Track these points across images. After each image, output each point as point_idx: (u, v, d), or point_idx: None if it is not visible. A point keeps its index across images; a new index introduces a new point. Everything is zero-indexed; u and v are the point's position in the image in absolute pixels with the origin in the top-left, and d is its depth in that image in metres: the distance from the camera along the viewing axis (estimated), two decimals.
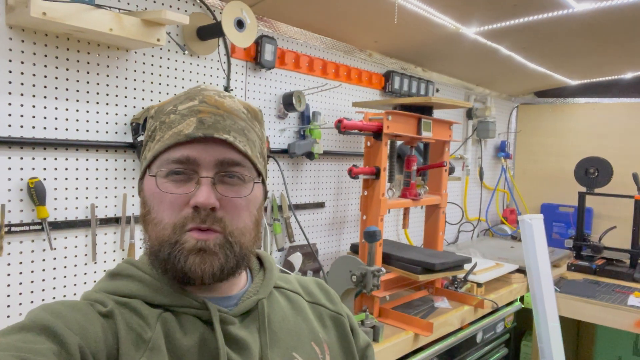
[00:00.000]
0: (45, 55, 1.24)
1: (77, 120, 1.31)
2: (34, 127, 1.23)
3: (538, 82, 3.13)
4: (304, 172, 1.98)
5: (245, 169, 0.67)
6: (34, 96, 1.23)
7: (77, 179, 1.32)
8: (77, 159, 1.32)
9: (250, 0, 1.57)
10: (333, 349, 0.77)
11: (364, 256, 1.70)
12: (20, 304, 1.24)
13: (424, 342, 1.65)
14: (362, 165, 1.76)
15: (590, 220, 3.09)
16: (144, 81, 1.45)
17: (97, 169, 1.36)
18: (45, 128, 1.25)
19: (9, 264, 1.21)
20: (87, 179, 1.34)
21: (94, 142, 1.34)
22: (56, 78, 1.26)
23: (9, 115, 1.19)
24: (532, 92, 3.44)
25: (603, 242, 2.68)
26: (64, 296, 1.32)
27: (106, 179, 1.38)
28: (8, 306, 1.21)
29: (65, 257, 1.31)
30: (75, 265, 1.33)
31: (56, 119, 1.27)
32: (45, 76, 1.25)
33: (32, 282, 1.25)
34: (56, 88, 1.27)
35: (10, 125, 1.19)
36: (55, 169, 1.28)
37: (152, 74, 1.47)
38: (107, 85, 1.37)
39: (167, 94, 1.51)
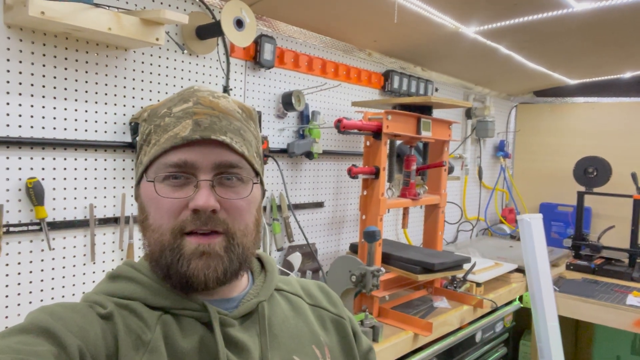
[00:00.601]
0: (44, 55, 1.23)
1: (76, 119, 1.31)
2: (32, 127, 1.23)
3: (537, 82, 3.13)
4: (303, 172, 1.98)
5: (243, 170, 0.67)
6: (32, 96, 1.22)
7: (75, 179, 1.32)
8: (75, 159, 1.31)
9: None
10: (334, 352, 0.77)
11: (363, 256, 1.70)
12: (19, 304, 1.23)
13: (423, 342, 1.65)
14: (361, 165, 1.76)
15: (589, 220, 3.10)
16: (143, 81, 1.44)
17: (95, 169, 1.36)
18: (43, 128, 1.25)
19: (7, 265, 1.20)
20: (85, 178, 1.34)
21: (93, 142, 1.33)
22: (55, 77, 1.26)
23: (7, 115, 1.18)
24: (531, 91, 3.44)
25: (602, 241, 2.69)
26: (63, 297, 1.31)
27: (105, 178, 1.38)
28: (7, 307, 1.21)
29: (64, 258, 1.31)
30: (74, 266, 1.33)
31: (55, 118, 1.27)
32: (44, 76, 1.24)
33: (30, 282, 1.25)
34: (55, 88, 1.26)
35: (8, 125, 1.19)
36: (54, 168, 1.27)
37: (151, 73, 1.46)
38: (106, 84, 1.36)
39: (167, 93, 1.50)
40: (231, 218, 0.65)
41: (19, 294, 1.23)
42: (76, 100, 1.30)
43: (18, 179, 1.21)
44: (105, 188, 1.38)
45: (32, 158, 1.23)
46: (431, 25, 1.94)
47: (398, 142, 2.00)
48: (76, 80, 1.30)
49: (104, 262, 1.39)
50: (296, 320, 0.75)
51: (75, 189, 1.32)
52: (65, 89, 1.28)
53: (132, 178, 1.44)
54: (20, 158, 1.21)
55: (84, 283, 1.35)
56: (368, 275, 1.54)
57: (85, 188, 1.34)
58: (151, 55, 1.46)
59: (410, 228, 2.49)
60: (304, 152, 1.86)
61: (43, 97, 1.24)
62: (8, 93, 1.18)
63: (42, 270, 1.27)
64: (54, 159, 1.27)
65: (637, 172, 2.62)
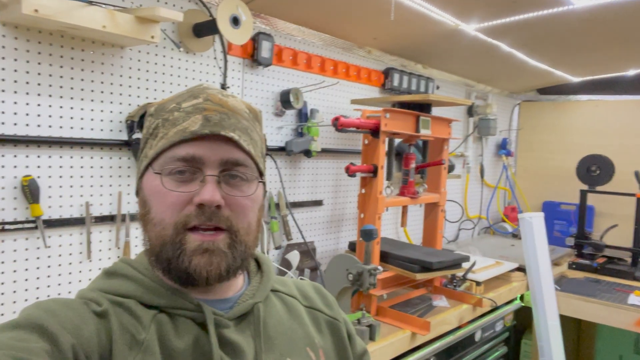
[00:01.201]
0: (39, 53, 1.23)
1: (72, 117, 1.31)
2: (27, 125, 1.23)
3: (539, 79, 3.10)
4: (302, 170, 1.97)
5: (248, 169, 0.67)
6: (27, 94, 1.22)
7: (71, 176, 1.32)
8: (71, 157, 1.31)
9: None
10: (328, 354, 0.76)
11: (360, 254, 1.69)
12: (15, 302, 1.23)
13: (421, 340, 1.64)
14: (360, 163, 1.75)
15: (592, 219, 3.07)
16: (139, 78, 1.44)
17: (91, 167, 1.36)
18: (39, 126, 1.25)
19: (2, 262, 1.21)
20: (81, 176, 1.34)
21: (89, 140, 1.33)
22: (50, 76, 1.26)
23: (2, 112, 1.19)
24: (534, 89, 3.41)
25: (604, 240, 2.67)
26: (59, 294, 1.32)
27: (101, 176, 1.38)
28: (2, 304, 1.21)
29: (60, 255, 1.31)
30: (70, 264, 1.33)
31: (50, 116, 1.27)
32: (39, 74, 1.24)
33: (26, 280, 1.25)
34: (50, 86, 1.26)
35: (3, 123, 1.19)
36: (50, 166, 1.27)
37: (147, 71, 1.46)
38: (102, 82, 1.36)
39: (163, 91, 1.50)
40: (235, 215, 0.65)
41: (14, 292, 1.23)
42: (72, 98, 1.30)
43: (13, 177, 1.21)
44: (101, 186, 1.38)
45: (27, 156, 1.23)
46: (431, 22, 1.93)
47: (397, 140, 1.99)
48: (72, 78, 1.30)
49: (100, 260, 1.39)
50: (291, 322, 0.75)
51: (71, 186, 1.32)
52: (61, 87, 1.28)
53: (128, 176, 1.43)
54: (15, 156, 1.21)
55: (80, 281, 1.35)
56: (365, 273, 1.53)
57: (81, 186, 1.34)
58: (147, 53, 1.45)
59: (410, 226, 2.48)
60: (302, 150, 1.86)
61: (38, 95, 1.24)
62: (3, 91, 1.18)
63: (37, 268, 1.27)
64: (50, 157, 1.27)
65: None
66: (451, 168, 2.66)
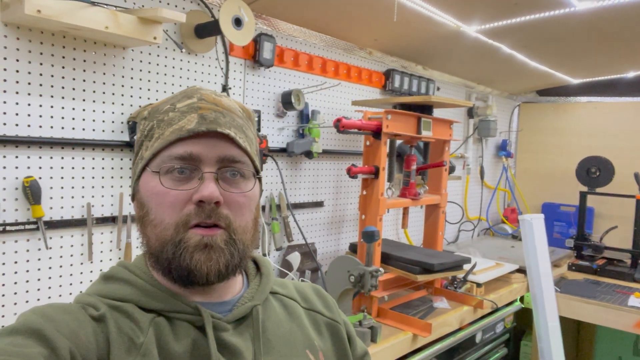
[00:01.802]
0: (41, 53, 1.23)
1: (73, 118, 1.30)
2: (29, 126, 1.22)
3: (540, 81, 3.11)
4: (303, 171, 1.97)
5: (245, 166, 0.67)
6: (29, 94, 1.22)
7: (73, 177, 1.31)
8: (73, 158, 1.31)
9: None
10: (328, 356, 0.76)
11: (362, 256, 1.69)
12: (15, 303, 1.23)
13: (422, 342, 1.64)
14: (361, 165, 1.75)
15: (592, 220, 3.08)
16: (141, 79, 1.44)
17: (93, 168, 1.35)
18: (40, 127, 1.24)
19: (3, 264, 1.20)
20: (83, 178, 1.33)
21: (90, 141, 1.33)
22: (52, 76, 1.25)
23: (4, 113, 1.18)
24: (534, 90, 3.42)
25: (604, 242, 2.67)
26: (60, 296, 1.31)
27: (102, 178, 1.37)
28: (3, 306, 1.21)
29: (61, 257, 1.31)
30: (71, 265, 1.33)
31: (52, 117, 1.26)
32: (41, 74, 1.24)
33: (27, 281, 1.25)
34: (52, 86, 1.26)
35: (5, 124, 1.18)
36: (51, 167, 1.27)
37: (149, 72, 1.46)
38: (104, 83, 1.36)
39: (165, 92, 1.50)
40: (232, 213, 0.65)
41: (15, 293, 1.23)
42: (74, 99, 1.30)
43: (15, 178, 1.21)
44: (102, 187, 1.37)
45: (29, 157, 1.23)
46: (432, 24, 1.93)
47: (398, 141, 1.99)
48: (74, 79, 1.30)
49: (101, 261, 1.39)
50: (290, 324, 0.75)
51: (73, 188, 1.31)
52: (63, 87, 1.28)
53: (129, 177, 1.43)
54: (17, 157, 1.21)
55: (81, 282, 1.35)
56: (367, 275, 1.53)
57: (83, 187, 1.33)
58: (149, 54, 1.45)
59: (410, 228, 2.48)
60: (304, 151, 1.85)
61: (40, 95, 1.24)
62: (5, 92, 1.18)
63: (39, 270, 1.27)
64: (51, 157, 1.27)
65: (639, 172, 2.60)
66: (451, 169, 2.66)
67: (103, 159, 1.37)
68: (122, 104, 1.40)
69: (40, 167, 1.25)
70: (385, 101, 1.96)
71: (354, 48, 2.11)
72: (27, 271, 1.25)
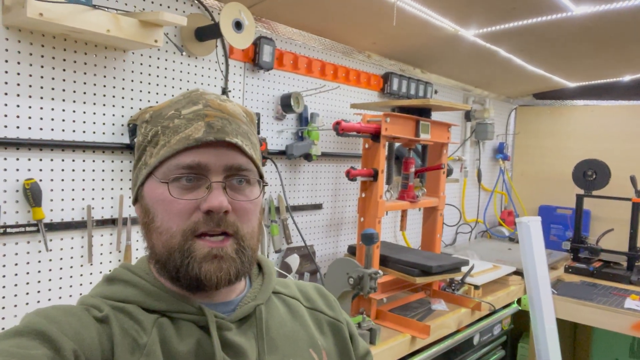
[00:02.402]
0: (42, 56, 1.23)
1: (74, 121, 1.31)
2: (30, 128, 1.23)
3: (536, 84, 3.13)
4: (302, 174, 1.98)
5: (251, 173, 0.68)
6: (30, 97, 1.22)
7: (73, 180, 1.32)
8: (73, 160, 1.31)
9: (249, 1, 1.57)
10: (331, 355, 0.77)
11: (361, 258, 1.70)
12: (16, 305, 1.23)
13: (421, 344, 1.65)
14: (360, 167, 1.76)
15: (588, 223, 3.10)
16: (141, 82, 1.44)
17: (93, 170, 1.35)
18: (41, 129, 1.25)
19: (4, 266, 1.20)
20: (83, 180, 1.34)
21: (91, 143, 1.33)
22: (53, 79, 1.26)
23: (5, 115, 1.18)
24: (531, 94, 3.44)
25: (600, 244, 2.69)
26: (60, 298, 1.31)
27: (103, 180, 1.38)
28: (3, 308, 1.21)
29: (61, 259, 1.31)
30: (71, 267, 1.33)
31: (53, 119, 1.27)
32: (42, 77, 1.24)
33: (27, 283, 1.25)
34: (53, 89, 1.26)
35: (6, 126, 1.19)
36: (52, 170, 1.27)
37: (149, 75, 1.46)
38: (104, 86, 1.36)
39: (165, 95, 1.50)
40: (240, 220, 0.65)
41: (15, 295, 1.23)
42: (74, 101, 1.30)
43: (15, 180, 1.21)
44: (103, 189, 1.38)
45: (29, 159, 1.23)
46: (430, 27, 1.94)
47: (397, 144, 2.00)
48: (74, 82, 1.30)
49: (101, 263, 1.39)
50: (293, 323, 0.75)
51: (73, 190, 1.32)
52: (64, 90, 1.28)
53: (130, 180, 1.43)
54: (17, 159, 1.21)
55: (81, 284, 1.35)
56: (366, 277, 1.54)
57: (83, 189, 1.34)
58: (150, 56, 1.46)
59: (409, 230, 2.49)
60: (303, 154, 1.86)
61: (41, 98, 1.24)
62: (6, 94, 1.18)
63: (39, 272, 1.27)
64: (52, 160, 1.27)
65: (636, 175, 2.61)
66: (449, 172, 2.67)
67: (103, 161, 1.37)
68: (123, 107, 1.41)
69: (40, 170, 1.25)
70: (384, 104, 1.97)
71: (352, 51, 2.12)
72: (28, 273, 1.25)
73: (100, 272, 1.38)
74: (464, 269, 1.93)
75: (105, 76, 1.36)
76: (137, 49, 1.40)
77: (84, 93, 1.32)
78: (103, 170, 1.38)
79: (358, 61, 2.18)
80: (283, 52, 1.84)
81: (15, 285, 1.23)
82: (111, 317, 0.61)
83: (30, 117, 1.23)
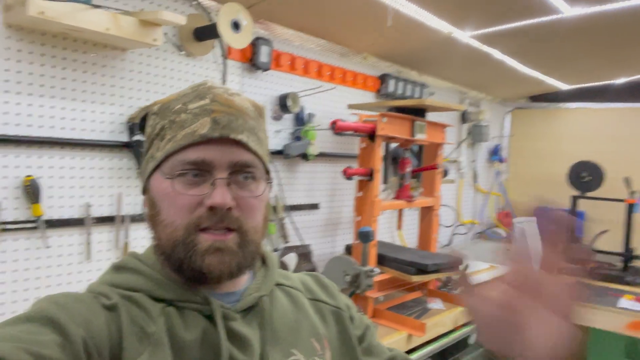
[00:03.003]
0: (42, 55, 1.25)
1: (73, 119, 1.32)
2: (29, 126, 1.24)
3: (531, 87, 3.16)
4: (299, 174, 1.99)
5: (257, 169, 0.68)
6: (30, 95, 1.24)
7: (72, 177, 1.33)
8: (72, 158, 1.32)
9: (247, 2, 1.59)
10: (333, 344, 0.77)
11: (357, 256, 1.71)
12: (15, 301, 1.24)
13: (417, 342, 1.66)
14: (356, 167, 1.77)
15: (583, 224, 3.12)
16: (140, 81, 1.46)
17: (92, 168, 1.37)
18: (41, 127, 1.26)
19: (3, 262, 1.21)
20: (82, 177, 1.35)
21: (90, 141, 1.35)
22: (53, 77, 1.27)
23: (5, 113, 1.20)
24: (526, 96, 3.47)
25: (595, 245, 2.71)
26: None
27: (101, 178, 1.39)
28: (2, 304, 1.22)
29: (60, 256, 1.32)
30: (70, 264, 1.34)
31: (52, 117, 1.28)
32: (42, 75, 1.25)
33: (26, 280, 1.26)
34: (52, 87, 1.27)
35: (6, 124, 1.20)
36: (51, 167, 1.28)
37: (148, 74, 1.48)
38: (104, 84, 1.38)
39: (164, 94, 1.52)
40: (244, 216, 0.65)
41: (14, 292, 1.24)
42: (74, 99, 1.32)
43: (15, 177, 1.22)
44: (101, 187, 1.39)
45: (29, 156, 1.24)
46: (426, 29, 1.96)
47: (394, 145, 2.02)
48: (74, 80, 1.31)
49: (99, 260, 1.40)
50: (296, 314, 0.76)
51: (72, 187, 1.33)
52: (63, 88, 1.29)
53: (128, 178, 1.44)
54: (17, 156, 1.22)
55: (79, 281, 1.36)
56: (362, 275, 1.55)
57: (82, 187, 1.35)
58: (149, 56, 1.47)
59: (405, 230, 2.50)
60: (300, 153, 1.88)
61: (41, 96, 1.26)
62: (7, 92, 1.20)
63: (38, 268, 1.28)
64: (51, 157, 1.28)
65: (629, 176, 2.64)
66: (445, 173, 2.69)
67: (102, 159, 1.39)
68: (122, 105, 1.42)
69: (40, 167, 1.26)
70: (380, 104, 1.99)
71: (349, 53, 2.14)
72: (27, 270, 1.25)
73: (99, 270, 1.39)
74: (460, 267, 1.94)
75: (104, 75, 1.38)
76: (136, 48, 1.42)
77: (84, 91, 1.34)
78: (102, 168, 1.39)
79: (355, 63, 2.21)
80: (280, 53, 1.86)
81: (14, 281, 1.23)
82: (120, 306, 0.62)
83: (30, 115, 1.24)
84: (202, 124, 0.65)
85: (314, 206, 2.06)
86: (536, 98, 3.45)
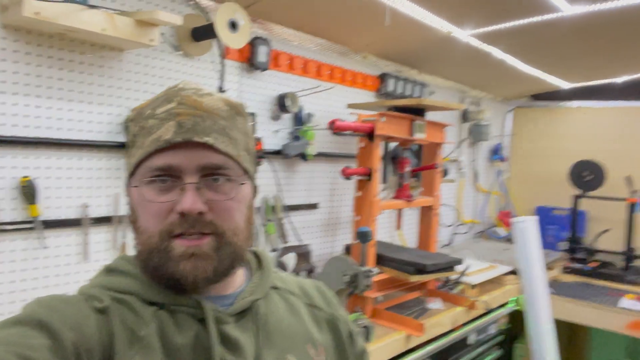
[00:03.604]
0: (39, 55, 1.25)
1: (70, 119, 1.32)
2: (26, 127, 1.24)
3: (532, 86, 3.15)
4: (298, 173, 1.99)
5: (230, 170, 0.66)
6: (27, 95, 1.24)
7: (69, 178, 1.33)
8: (69, 158, 1.32)
9: (244, 1, 1.58)
10: (328, 351, 0.76)
11: (356, 256, 1.70)
12: (12, 302, 1.24)
13: (416, 342, 1.66)
14: (355, 167, 1.77)
15: (584, 223, 3.11)
16: (137, 81, 1.46)
17: (89, 169, 1.37)
18: (37, 127, 1.26)
19: (0, 263, 1.21)
20: (79, 178, 1.35)
21: (87, 142, 1.35)
22: (49, 78, 1.27)
23: (2, 114, 1.20)
24: (526, 95, 3.46)
25: (596, 244, 2.69)
26: None
27: (98, 178, 1.39)
28: (0, 305, 1.22)
29: (57, 256, 1.32)
30: (68, 265, 1.34)
31: (49, 118, 1.28)
32: (39, 76, 1.25)
33: (23, 280, 1.26)
34: (49, 88, 1.27)
35: (3, 124, 1.20)
36: (48, 168, 1.28)
37: (145, 74, 1.47)
38: (100, 85, 1.38)
39: None
40: (220, 219, 0.64)
41: (12, 292, 1.24)
42: (71, 100, 1.32)
43: (12, 178, 1.22)
44: (98, 188, 1.39)
45: (25, 157, 1.24)
46: (425, 28, 1.95)
47: (393, 144, 2.01)
48: (71, 81, 1.31)
49: (97, 261, 1.40)
50: (291, 319, 0.75)
51: (69, 188, 1.33)
52: (60, 89, 1.29)
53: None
54: (14, 157, 1.22)
55: (77, 282, 1.36)
56: (360, 275, 1.54)
57: (79, 187, 1.35)
58: (146, 56, 1.47)
59: (405, 230, 2.50)
60: (298, 153, 1.87)
61: (38, 96, 1.26)
62: (3, 92, 1.20)
63: (35, 269, 1.28)
64: (48, 158, 1.28)
65: (631, 175, 2.63)
66: (445, 172, 2.68)
67: (99, 159, 1.39)
68: (119, 106, 1.42)
69: (37, 168, 1.26)
70: (379, 104, 1.99)
71: (348, 52, 2.13)
72: (24, 270, 1.26)
73: (96, 270, 1.39)
74: (458, 268, 1.94)
75: (101, 75, 1.37)
76: (133, 48, 1.41)
77: (80, 92, 1.33)
78: (99, 169, 1.39)
79: (354, 62, 2.20)
80: (279, 52, 1.85)
81: (12, 282, 1.24)
82: (111, 309, 0.61)
83: (27, 116, 1.24)
84: (167, 129, 0.63)
85: (312, 206, 2.06)
86: (537, 97, 3.43)
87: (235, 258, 0.67)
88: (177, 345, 0.62)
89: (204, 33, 1.54)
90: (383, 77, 2.31)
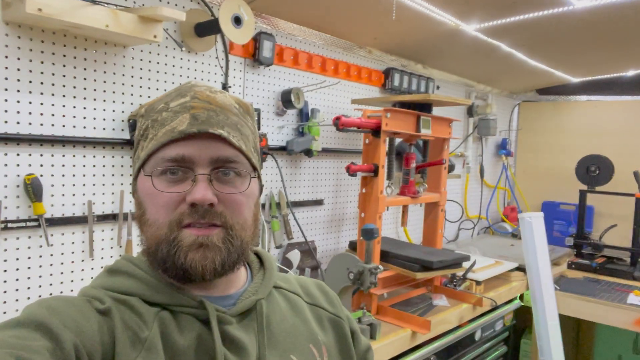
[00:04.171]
0: (42, 52, 1.24)
1: (74, 116, 1.31)
2: (30, 124, 1.23)
3: (539, 80, 3.11)
4: (303, 170, 1.98)
5: (240, 165, 0.67)
6: (30, 92, 1.23)
7: (74, 175, 1.32)
8: (73, 156, 1.32)
9: None
10: (331, 351, 0.76)
11: (361, 254, 1.69)
12: (17, 300, 1.24)
13: (421, 339, 1.65)
14: (360, 163, 1.76)
15: (591, 219, 3.08)
16: (141, 78, 1.45)
17: (94, 166, 1.36)
18: (42, 124, 1.25)
19: (5, 260, 1.21)
20: (84, 175, 1.34)
21: (91, 139, 1.34)
22: (53, 74, 1.26)
23: (5, 111, 1.19)
24: (534, 89, 3.42)
25: (604, 240, 2.67)
26: (61, 292, 1.32)
27: (103, 175, 1.38)
28: (4, 302, 1.22)
29: (62, 254, 1.31)
30: (72, 262, 1.33)
31: (53, 115, 1.27)
32: (42, 73, 1.24)
33: (28, 278, 1.26)
34: (53, 84, 1.27)
35: (6, 122, 1.19)
36: (52, 165, 1.28)
37: (149, 70, 1.46)
38: (104, 81, 1.37)
39: (165, 90, 1.51)
40: (229, 211, 0.65)
41: (17, 290, 1.24)
42: (74, 97, 1.31)
43: (16, 175, 1.22)
44: (103, 185, 1.38)
45: (30, 154, 1.24)
46: (431, 22, 1.93)
47: (398, 140, 2.00)
48: (74, 77, 1.30)
49: (102, 258, 1.39)
50: (294, 318, 0.75)
51: (74, 185, 1.32)
52: (64, 85, 1.29)
53: (130, 175, 1.44)
54: (18, 154, 1.22)
55: (82, 279, 1.36)
56: (366, 272, 1.54)
57: (84, 185, 1.34)
58: (150, 52, 1.46)
59: (410, 226, 2.48)
60: (303, 149, 1.86)
61: (41, 93, 1.25)
62: (7, 90, 1.19)
63: (40, 267, 1.27)
64: (52, 155, 1.28)
65: (639, 170, 2.60)
66: (451, 168, 2.66)
67: (104, 157, 1.38)
68: (123, 102, 1.41)
69: (41, 165, 1.26)
70: (385, 99, 1.97)
71: (353, 47, 2.11)
72: (29, 268, 1.25)
73: (101, 267, 1.39)
74: (465, 265, 1.93)
75: (105, 72, 1.36)
76: (136, 44, 1.40)
77: (84, 89, 1.33)
78: (104, 166, 1.38)
79: (359, 57, 2.18)
80: (283, 47, 1.84)
81: (17, 280, 1.24)
82: (113, 310, 0.61)
83: (30, 113, 1.23)
84: (181, 121, 0.64)
85: (318, 202, 2.05)
86: (544, 91, 3.40)
87: (242, 253, 0.67)
88: (180, 346, 0.62)
89: (207, 29, 1.52)
90: (388, 72, 2.29)
